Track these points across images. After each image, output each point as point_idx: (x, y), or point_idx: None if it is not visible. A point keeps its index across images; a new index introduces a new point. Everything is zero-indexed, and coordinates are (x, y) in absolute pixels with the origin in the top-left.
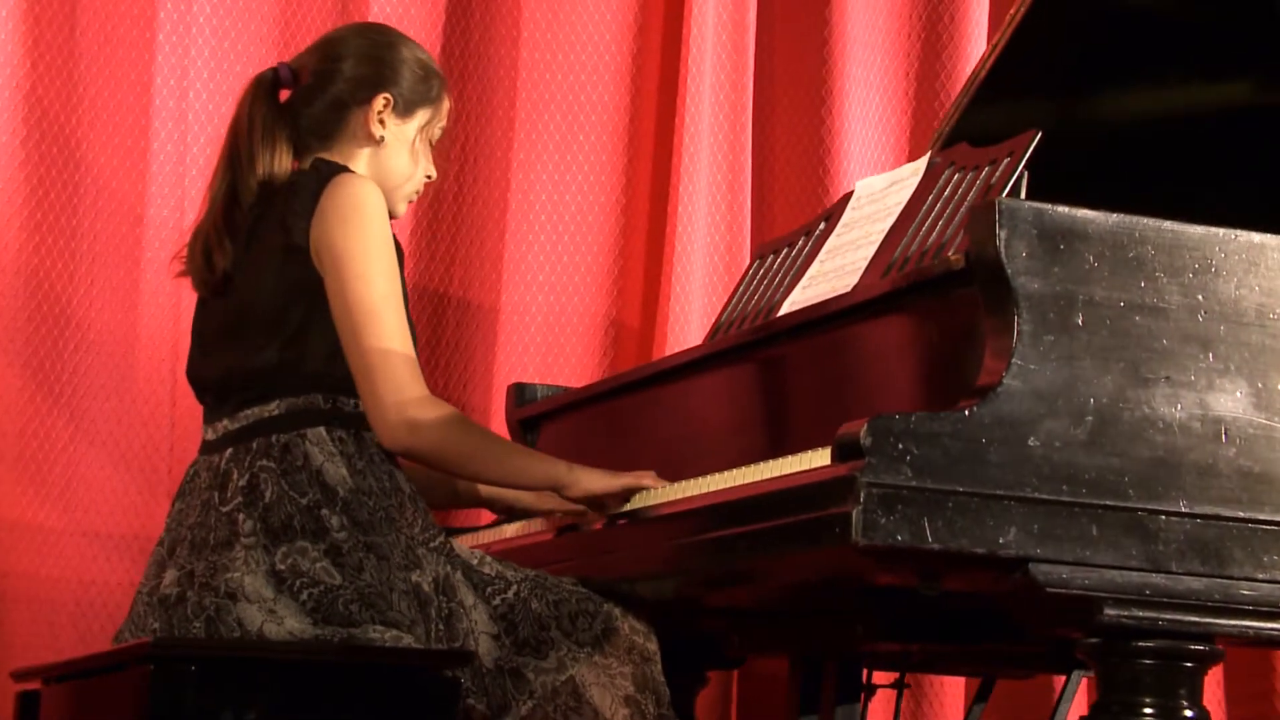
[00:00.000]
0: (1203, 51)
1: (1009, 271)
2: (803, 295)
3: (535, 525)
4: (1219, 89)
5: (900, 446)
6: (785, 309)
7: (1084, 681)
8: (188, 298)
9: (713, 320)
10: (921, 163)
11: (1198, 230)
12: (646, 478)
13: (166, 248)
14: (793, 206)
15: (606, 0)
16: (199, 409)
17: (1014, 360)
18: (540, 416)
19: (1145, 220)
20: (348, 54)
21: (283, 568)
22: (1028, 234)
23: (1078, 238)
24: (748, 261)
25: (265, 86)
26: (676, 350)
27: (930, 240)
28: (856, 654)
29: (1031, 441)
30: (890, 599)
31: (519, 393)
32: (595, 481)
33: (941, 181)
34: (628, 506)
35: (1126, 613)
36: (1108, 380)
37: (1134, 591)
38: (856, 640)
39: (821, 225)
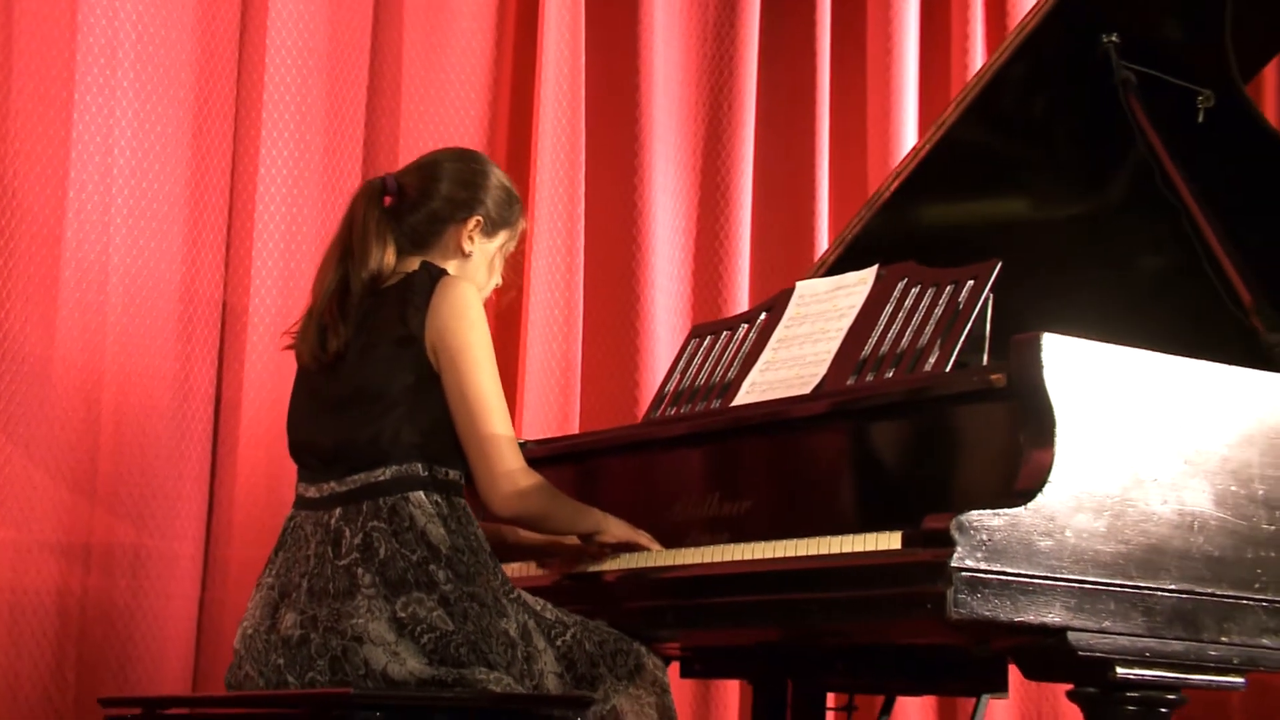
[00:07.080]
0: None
1: (1050, 396)
2: (763, 378)
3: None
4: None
5: (978, 538)
6: (746, 388)
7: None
8: (110, 326)
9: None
10: (869, 273)
11: (1186, 363)
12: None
13: (87, 276)
14: (612, 263)
15: (469, 76)
16: (127, 426)
17: (1054, 467)
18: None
19: (1150, 354)
20: (445, 176)
21: (403, 615)
22: (1065, 363)
23: (1102, 367)
24: (580, 309)
25: (375, 193)
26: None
27: (903, 346)
28: (818, 679)
29: (1067, 533)
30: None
31: None
32: (622, 530)
33: (899, 293)
34: (680, 560)
35: (1132, 671)
36: (1116, 482)
37: (1137, 654)
38: (834, 672)
39: (763, 315)
